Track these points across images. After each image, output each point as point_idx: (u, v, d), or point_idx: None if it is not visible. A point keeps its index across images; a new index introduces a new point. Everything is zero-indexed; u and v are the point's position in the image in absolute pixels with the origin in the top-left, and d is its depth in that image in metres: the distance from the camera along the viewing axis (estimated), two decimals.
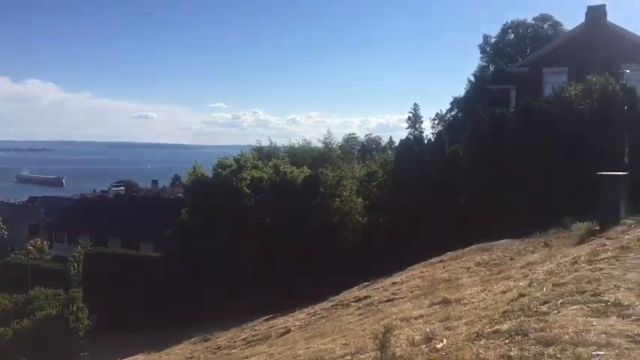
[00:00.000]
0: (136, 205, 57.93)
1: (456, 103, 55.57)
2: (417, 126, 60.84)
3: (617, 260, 7.75)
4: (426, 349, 5.78)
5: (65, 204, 72.78)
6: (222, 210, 27.84)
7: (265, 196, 28.90)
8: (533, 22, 54.18)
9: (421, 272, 15.69)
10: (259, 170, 30.19)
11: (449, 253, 17.35)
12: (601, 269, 7.29)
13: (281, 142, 41.82)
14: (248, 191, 28.71)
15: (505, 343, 4.91)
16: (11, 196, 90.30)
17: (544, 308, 5.83)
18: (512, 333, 5.15)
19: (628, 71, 22.54)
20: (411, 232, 24.03)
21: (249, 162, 30.91)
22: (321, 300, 17.68)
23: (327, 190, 28.24)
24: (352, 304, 14.79)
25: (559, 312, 5.56)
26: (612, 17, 30.59)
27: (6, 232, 61.65)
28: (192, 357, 16.35)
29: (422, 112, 61.61)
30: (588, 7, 30.42)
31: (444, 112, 57.48)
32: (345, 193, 28.28)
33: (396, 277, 16.43)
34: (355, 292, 17.04)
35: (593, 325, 4.89)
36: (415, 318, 8.80)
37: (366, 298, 14.69)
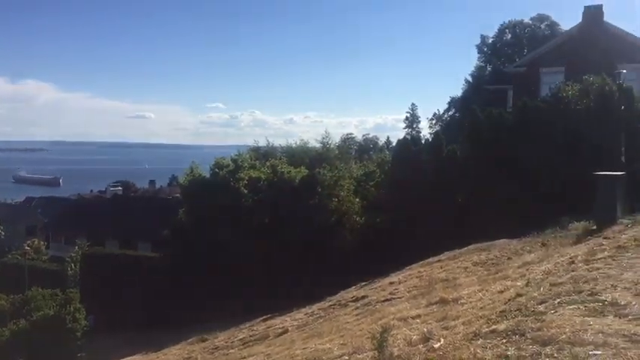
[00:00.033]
0: (133, 206, 57.87)
1: (454, 103, 55.56)
2: (414, 126, 60.91)
3: (614, 260, 7.77)
4: (424, 349, 5.78)
5: (62, 204, 72.75)
6: (219, 210, 27.82)
7: (263, 196, 28.87)
8: (530, 22, 54.23)
9: (419, 272, 15.72)
10: (257, 170, 30.16)
11: (446, 252, 17.37)
12: (598, 269, 7.31)
13: (278, 142, 41.78)
14: (245, 191, 28.68)
15: (502, 343, 4.92)
16: (8, 197, 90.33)
17: (541, 308, 5.84)
18: (510, 333, 5.16)
19: (625, 71, 22.57)
20: (409, 231, 24.03)
21: (247, 162, 30.89)
22: (318, 300, 17.69)
23: (324, 190, 28.23)
24: (350, 304, 14.80)
25: (556, 312, 5.57)
26: (609, 17, 30.66)
27: (3, 233, 61.62)
28: (189, 357, 16.34)
29: (419, 112, 61.73)
30: (585, 7, 30.46)
31: (441, 112, 57.47)
32: (342, 193, 28.28)
33: (394, 277, 16.45)
34: (353, 292, 17.05)
35: (590, 325, 4.90)
36: (413, 318, 8.81)
37: (363, 298, 14.70)
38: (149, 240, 43.16)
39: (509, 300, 7.01)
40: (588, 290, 6.17)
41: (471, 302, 8.64)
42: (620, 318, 5.09)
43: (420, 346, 6.03)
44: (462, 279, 11.89)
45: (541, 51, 33.10)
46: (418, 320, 8.48)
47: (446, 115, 56.42)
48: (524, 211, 19.58)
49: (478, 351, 4.84)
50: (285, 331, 14.13)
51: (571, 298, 6.00)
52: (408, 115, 61.56)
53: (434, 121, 57.04)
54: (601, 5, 30.30)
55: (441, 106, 58.56)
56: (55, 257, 50.35)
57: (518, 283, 8.38)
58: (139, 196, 74.96)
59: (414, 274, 15.55)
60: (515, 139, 23.23)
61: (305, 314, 16.11)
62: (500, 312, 6.30)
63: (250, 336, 15.70)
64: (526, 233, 15.56)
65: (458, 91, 56.54)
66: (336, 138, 46.88)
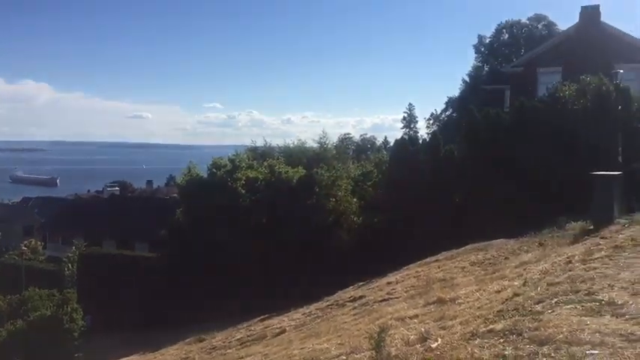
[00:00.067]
0: (130, 206, 57.78)
1: (451, 103, 55.68)
2: (411, 126, 61.05)
3: (611, 260, 7.78)
4: (421, 349, 5.78)
5: (59, 204, 72.62)
6: (217, 210, 27.78)
7: (260, 196, 28.84)
8: (527, 22, 54.35)
9: (416, 272, 15.72)
10: (254, 170, 30.13)
11: (444, 252, 17.38)
12: (595, 268, 7.33)
13: (276, 142, 41.77)
14: (243, 191, 28.65)
15: (500, 343, 4.92)
16: (5, 197, 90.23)
17: (538, 307, 5.85)
18: (507, 332, 5.16)
19: (622, 71, 22.58)
20: (406, 231, 24.03)
21: (244, 162, 30.85)
22: (316, 300, 17.68)
23: (322, 190, 28.23)
24: (347, 303, 14.79)
25: (553, 311, 5.58)
26: (606, 17, 30.73)
27: (0, 233, 61.41)
28: (187, 357, 16.32)
29: (417, 112, 61.88)
30: (582, 7, 30.52)
31: (438, 112, 57.69)
32: (340, 193, 28.28)
33: (391, 277, 16.44)
34: (350, 291, 17.05)
35: (587, 324, 4.91)
36: (410, 318, 8.82)
37: (361, 297, 14.69)
38: (146, 240, 43.12)
39: (506, 300, 7.02)
40: (585, 290, 6.19)
41: (468, 302, 8.65)
42: (617, 317, 5.10)
43: (418, 345, 6.03)
44: (459, 279, 11.89)
45: (538, 51, 33.14)
46: (416, 320, 8.48)
47: (443, 115, 56.56)
48: (521, 211, 19.59)
49: (475, 351, 4.84)
50: (283, 331, 14.12)
51: (568, 297, 6.01)
52: (406, 115, 61.72)
53: (431, 121, 57.25)
54: (598, 5, 30.37)
55: (439, 106, 58.83)
56: (52, 257, 50.24)
57: (516, 283, 8.39)
58: (137, 196, 74.83)
59: (412, 274, 15.55)
60: (512, 139, 23.25)
61: (302, 314, 16.10)
62: (498, 312, 6.30)
63: (248, 336, 15.69)
64: (523, 233, 15.58)
65: (455, 91, 56.76)
66: (333, 138, 46.89)
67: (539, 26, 53.16)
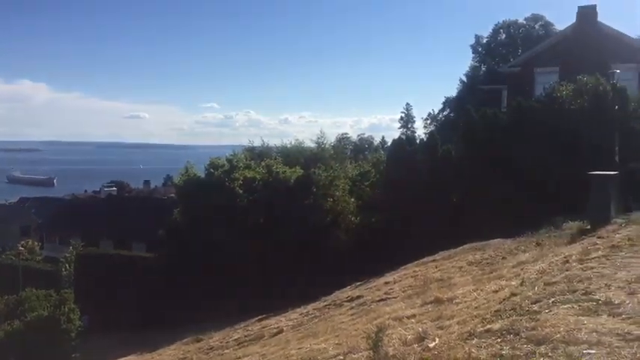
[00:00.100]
0: (128, 206, 57.69)
1: (448, 103, 55.75)
2: (409, 126, 61.04)
3: (608, 259, 7.80)
4: (419, 349, 5.78)
5: (56, 204, 72.43)
6: (214, 210, 27.77)
7: (258, 196, 28.85)
8: (524, 22, 54.46)
9: (414, 272, 15.73)
10: (252, 170, 30.13)
11: (441, 252, 17.40)
12: (592, 268, 7.34)
13: (273, 142, 41.74)
14: (240, 191, 28.65)
15: (497, 342, 4.93)
16: (2, 197, 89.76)
17: (536, 307, 5.85)
18: (504, 332, 5.17)
19: (618, 71, 22.65)
20: (404, 231, 24.06)
21: (242, 162, 30.85)
22: (313, 300, 17.68)
23: (319, 190, 28.24)
24: (345, 303, 14.80)
25: (550, 311, 5.59)
26: (603, 17, 30.79)
27: None
28: (184, 357, 16.32)
29: (414, 112, 61.85)
30: (579, 7, 30.57)
31: (436, 112, 57.71)
32: (337, 193, 28.29)
33: (389, 277, 16.46)
34: (348, 291, 17.06)
35: (584, 324, 4.91)
36: (408, 317, 8.82)
37: (358, 297, 14.70)
38: (144, 240, 43.08)
39: (503, 299, 7.03)
40: (582, 289, 6.19)
41: (465, 302, 8.65)
42: (613, 317, 5.10)
43: (415, 345, 6.03)
44: (456, 278, 11.91)
45: (535, 51, 33.20)
46: (413, 320, 8.48)
47: (441, 115, 56.59)
48: (518, 210, 19.63)
49: (473, 350, 4.84)
50: (280, 331, 14.12)
51: (565, 297, 6.02)
52: (403, 115, 61.72)
53: (429, 121, 57.25)
54: (595, 5, 30.43)
55: (436, 106, 58.78)
56: (49, 258, 50.06)
57: (513, 283, 8.39)
58: (134, 196, 74.66)
59: (409, 274, 15.57)
60: (509, 139, 23.29)
61: (300, 314, 16.10)
62: (495, 311, 6.31)
63: (245, 336, 15.68)
64: (520, 233, 15.60)
65: (453, 91, 56.84)
66: (331, 138, 46.91)
67: (537, 26, 53.27)
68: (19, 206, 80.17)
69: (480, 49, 56.06)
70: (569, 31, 31.64)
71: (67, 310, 24.82)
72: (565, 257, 8.93)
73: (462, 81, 54.91)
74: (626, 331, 4.64)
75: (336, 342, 8.83)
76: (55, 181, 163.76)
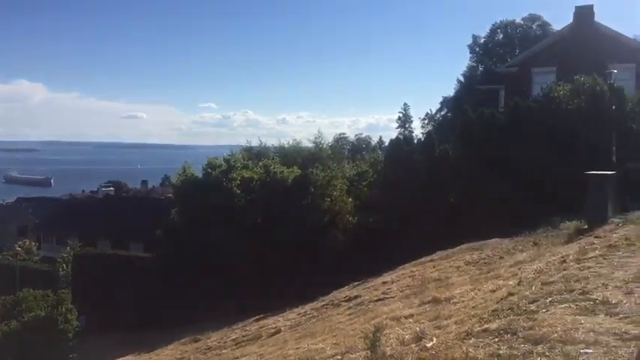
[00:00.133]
0: (125, 206, 57.58)
1: (446, 103, 55.77)
2: (406, 126, 61.07)
3: (605, 259, 7.81)
4: (416, 348, 5.79)
5: (54, 204, 72.30)
6: (212, 210, 27.75)
7: (255, 196, 28.82)
8: (522, 22, 54.47)
9: (411, 272, 15.75)
10: (249, 170, 30.11)
11: (439, 252, 17.42)
12: (589, 268, 7.35)
13: (271, 142, 41.66)
14: (238, 191, 28.62)
15: (494, 342, 4.94)
16: None
17: (533, 307, 5.86)
18: (502, 331, 5.18)
19: (615, 71, 22.69)
20: (401, 231, 24.06)
21: (239, 162, 30.83)
22: (311, 300, 17.68)
23: (317, 190, 28.22)
24: (343, 303, 14.80)
25: (548, 310, 5.60)
26: (600, 17, 30.83)
27: None
28: (182, 357, 16.30)
29: (412, 112, 61.95)
30: (576, 8, 30.58)
31: (433, 112, 57.73)
32: (335, 193, 28.28)
33: (387, 277, 16.47)
34: (346, 291, 17.06)
35: (581, 324, 4.92)
36: (405, 317, 8.83)
37: (356, 297, 14.71)
38: (141, 240, 43.01)
39: (501, 299, 7.04)
40: (579, 289, 6.21)
41: (463, 301, 8.66)
42: (611, 317, 5.11)
43: (413, 345, 6.04)
44: (454, 278, 11.92)
45: (533, 51, 33.22)
46: (411, 320, 8.49)
47: (438, 115, 56.62)
48: (515, 210, 19.65)
49: (470, 350, 4.85)
50: (278, 331, 14.12)
51: (562, 297, 6.03)
52: (401, 115, 61.76)
53: (426, 121, 57.30)
54: (592, 5, 30.46)
55: (434, 106, 58.86)
56: (46, 258, 50.01)
57: (510, 283, 8.41)
58: (131, 196, 74.60)
59: (407, 274, 15.58)
60: (506, 139, 23.31)
61: (298, 314, 16.10)
62: (493, 311, 6.32)
63: (243, 336, 15.67)
64: (518, 233, 15.63)
65: (450, 91, 56.85)
66: (328, 138, 46.80)
67: (534, 26, 53.29)
68: (17, 206, 79.96)
69: (477, 49, 56.08)
70: (567, 31, 31.67)
71: (64, 311, 24.82)
72: (562, 257, 8.95)
73: (459, 81, 54.96)
74: (623, 330, 4.65)
75: (334, 342, 8.83)
76: (52, 181, 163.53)
